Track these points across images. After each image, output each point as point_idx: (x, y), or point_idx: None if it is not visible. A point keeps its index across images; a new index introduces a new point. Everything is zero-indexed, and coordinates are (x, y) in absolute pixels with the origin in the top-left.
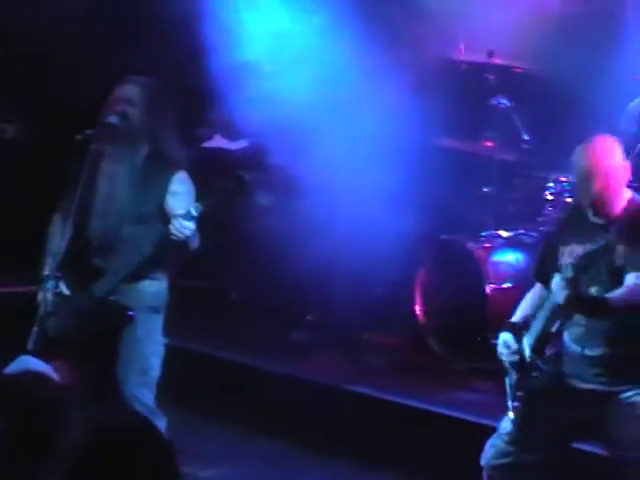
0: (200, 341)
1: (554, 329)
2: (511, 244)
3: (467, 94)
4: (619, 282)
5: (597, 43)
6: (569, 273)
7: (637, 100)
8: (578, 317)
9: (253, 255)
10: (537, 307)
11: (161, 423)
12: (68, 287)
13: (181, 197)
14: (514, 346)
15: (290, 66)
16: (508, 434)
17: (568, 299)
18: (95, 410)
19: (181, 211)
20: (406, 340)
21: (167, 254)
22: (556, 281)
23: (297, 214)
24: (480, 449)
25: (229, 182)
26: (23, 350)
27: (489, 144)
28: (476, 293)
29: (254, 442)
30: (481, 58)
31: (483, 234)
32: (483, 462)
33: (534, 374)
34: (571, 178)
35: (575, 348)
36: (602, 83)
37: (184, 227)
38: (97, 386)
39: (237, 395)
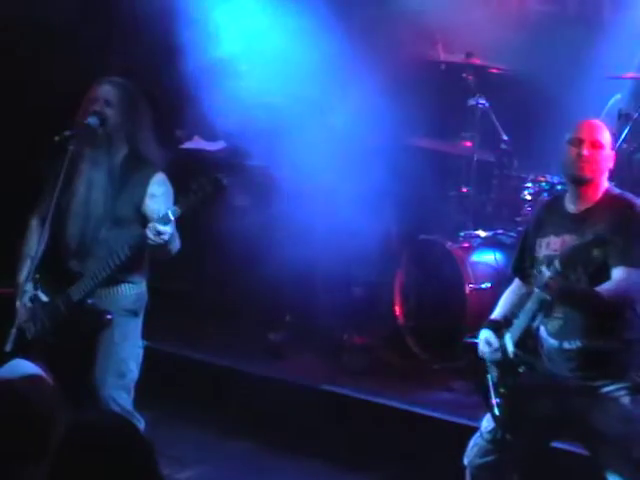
0: (178, 343)
1: (536, 324)
2: (490, 244)
3: (446, 94)
4: (601, 274)
5: (575, 43)
6: (557, 266)
7: (614, 98)
8: (556, 311)
9: (231, 256)
10: (517, 304)
11: (139, 425)
12: (45, 291)
13: (160, 199)
14: (496, 343)
15: (267, 66)
16: (490, 432)
17: (559, 291)
18: (74, 412)
19: (158, 215)
20: (385, 340)
21: (145, 257)
22: (542, 273)
23: (275, 215)
24: (459, 449)
25: (207, 184)
26: (1, 352)
27: (468, 144)
28: (455, 293)
29: (232, 443)
30: (459, 58)
31: (462, 234)
32: (466, 461)
33: (520, 369)
34: (549, 178)
35: (553, 342)
36: (580, 83)
37: (160, 231)
38: (75, 389)
39: (215, 396)
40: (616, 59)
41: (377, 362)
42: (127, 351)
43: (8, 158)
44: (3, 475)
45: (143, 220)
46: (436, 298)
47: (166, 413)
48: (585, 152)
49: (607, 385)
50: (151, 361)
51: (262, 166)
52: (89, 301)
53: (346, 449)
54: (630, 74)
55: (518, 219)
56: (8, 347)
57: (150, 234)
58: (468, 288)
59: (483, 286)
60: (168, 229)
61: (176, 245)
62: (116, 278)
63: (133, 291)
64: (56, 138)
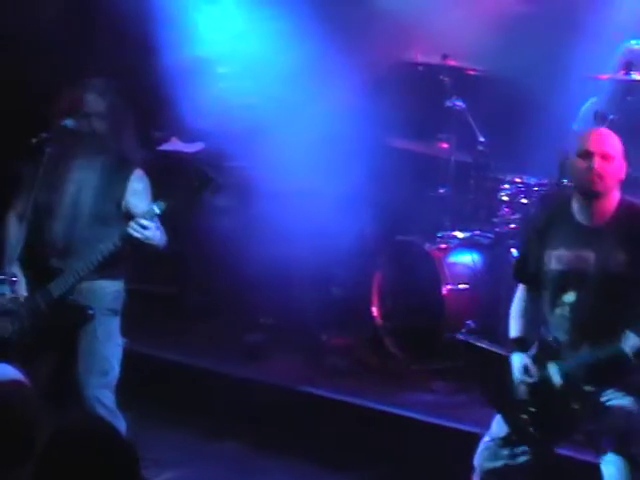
0: (156, 344)
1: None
2: (467, 245)
3: (423, 96)
4: (612, 292)
5: (552, 44)
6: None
7: (590, 101)
8: (564, 322)
9: (209, 257)
10: (532, 316)
11: (121, 424)
12: (26, 288)
13: (141, 194)
14: (535, 373)
15: (245, 68)
16: (503, 439)
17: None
18: (57, 413)
19: (142, 210)
20: (363, 341)
21: (125, 256)
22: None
23: (253, 216)
24: (438, 449)
25: (195, 180)
26: None
27: (445, 145)
28: (433, 294)
29: (212, 445)
30: (436, 60)
31: (439, 235)
32: (476, 465)
33: (575, 405)
34: (526, 179)
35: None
36: (557, 84)
37: (144, 226)
38: (56, 389)
39: (195, 398)
40: (594, 60)
41: (356, 363)
42: (110, 349)
43: None
44: None
45: (125, 216)
46: (414, 299)
47: (145, 415)
48: (596, 165)
49: (607, 391)
50: (131, 362)
51: (240, 167)
52: (70, 298)
53: (326, 450)
54: (606, 75)
55: (495, 220)
56: None
57: (135, 228)
58: (446, 289)
59: (461, 287)
60: (152, 224)
61: (162, 239)
62: (97, 274)
63: (113, 288)
64: (33, 140)
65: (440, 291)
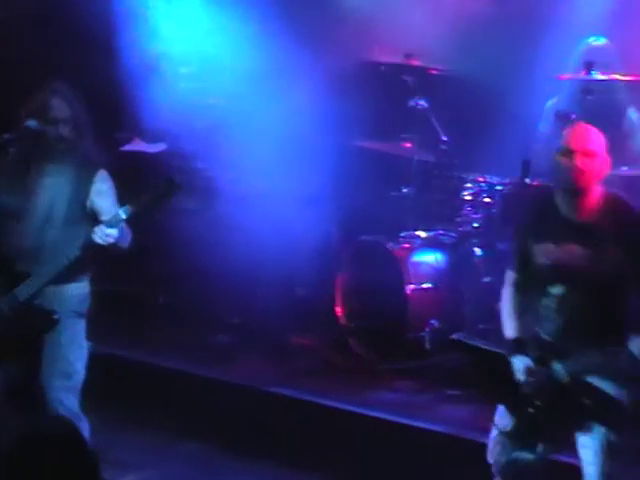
0: (123, 345)
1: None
2: (430, 244)
3: (386, 95)
4: (599, 284)
5: (514, 43)
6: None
7: (553, 101)
8: (550, 313)
9: (175, 258)
10: (529, 315)
11: (85, 427)
12: None
13: (106, 195)
14: (539, 372)
15: (208, 68)
16: (511, 431)
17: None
18: (20, 416)
19: (106, 217)
20: (328, 341)
21: (90, 258)
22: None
23: (217, 217)
24: (403, 448)
25: (161, 185)
26: None
27: (408, 145)
28: (396, 293)
29: (178, 446)
30: (399, 59)
31: (402, 234)
32: (491, 462)
33: (587, 401)
34: (488, 178)
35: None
36: (520, 83)
37: (107, 234)
38: (19, 391)
39: (161, 399)
40: (557, 59)
41: (322, 363)
42: (74, 353)
43: None
44: None
45: (91, 217)
46: (378, 299)
47: (111, 416)
48: (578, 163)
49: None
50: (97, 363)
51: (203, 168)
52: (36, 302)
53: (293, 450)
54: (567, 75)
55: (458, 219)
56: None
57: (98, 236)
58: (409, 288)
59: (424, 286)
60: (114, 232)
61: (127, 240)
62: (63, 278)
63: (79, 291)
64: None
65: (404, 291)
